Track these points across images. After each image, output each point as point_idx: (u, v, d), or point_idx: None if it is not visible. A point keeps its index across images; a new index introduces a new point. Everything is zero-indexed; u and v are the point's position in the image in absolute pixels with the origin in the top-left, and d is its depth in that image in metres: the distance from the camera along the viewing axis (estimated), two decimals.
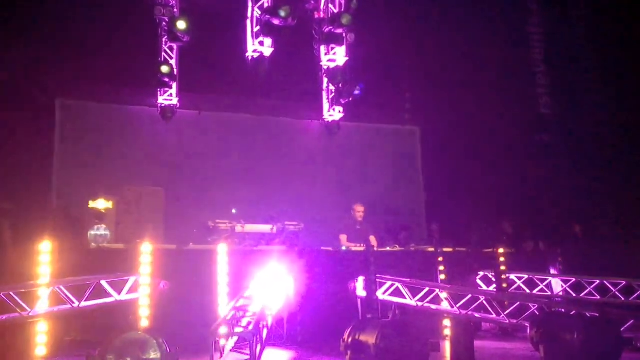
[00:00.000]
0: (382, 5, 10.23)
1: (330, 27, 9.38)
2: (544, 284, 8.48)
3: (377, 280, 7.72)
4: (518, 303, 7.06)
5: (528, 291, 8.38)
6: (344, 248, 8.59)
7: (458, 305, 7.38)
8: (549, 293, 8.36)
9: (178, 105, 9.99)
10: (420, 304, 7.44)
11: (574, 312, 6.21)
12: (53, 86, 9.66)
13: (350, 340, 5.23)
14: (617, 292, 7.97)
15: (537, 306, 6.62)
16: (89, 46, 9.44)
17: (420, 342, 5.17)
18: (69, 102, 9.96)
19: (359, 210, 9.23)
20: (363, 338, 5.19)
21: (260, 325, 5.85)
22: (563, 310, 6.60)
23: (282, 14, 8.54)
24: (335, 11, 9.69)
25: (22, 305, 6.12)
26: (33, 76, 9.21)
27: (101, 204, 7.93)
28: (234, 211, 8.05)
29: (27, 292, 6.27)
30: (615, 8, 10.56)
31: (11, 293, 6.09)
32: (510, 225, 9.58)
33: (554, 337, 5.49)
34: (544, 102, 11.67)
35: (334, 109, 10.48)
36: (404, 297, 7.69)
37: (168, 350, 4.61)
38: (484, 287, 8.39)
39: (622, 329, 6.07)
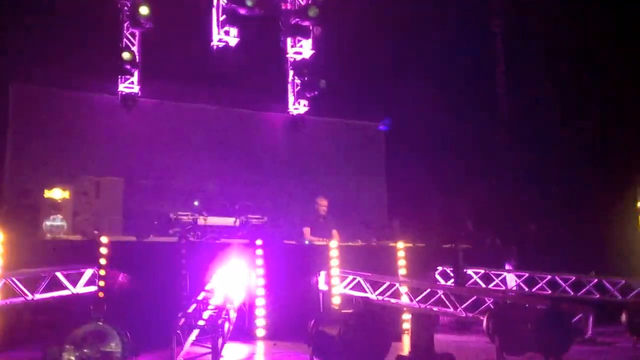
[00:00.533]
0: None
1: (297, 19, 9.32)
2: (499, 278, 8.74)
3: (339, 274, 7.80)
4: (475, 297, 7.28)
5: (484, 285, 8.62)
6: (307, 242, 8.60)
7: (417, 299, 7.55)
8: (504, 287, 8.62)
9: (140, 93, 9.75)
10: (381, 297, 7.59)
11: (527, 305, 6.44)
12: (7, 70, 9.27)
13: (314, 331, 5.26)
14: (567, 287, 8.31)
15: (492, 300, 6.83)
16: (47, 30, 9.10)
17: (381, 334, 5.27)
18: (25, 87, 9.58)
19: (323, 204, 9.25)
20: (326, 330, 5.24)
21: (222, 319, 5.80)
22: (517, 303, 6.84)
23: (249, 3, 8.46)
24: (303, 3, 9.64)
25: None
26: None
27: (57, 193, 7.68)
28: (196, 203, 7.93)
29: None
30: (575, 10, 10.82)
31: None
32: (471, 223, 9.80)
33: (508, 328, 5.70)
34: (503, 102, 11.91)
35: (299, 103, 10.44)
36: (365, 291, 7.80)
37: (129, 342, 4.52)
38: (443, 282, 8.57)
39: (572, 322, 6.36)
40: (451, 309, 7.53)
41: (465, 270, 8.68)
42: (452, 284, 8.41)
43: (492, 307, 6.70)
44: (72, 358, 4.40)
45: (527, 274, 8.63)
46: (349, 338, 5.13)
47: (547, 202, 10.34)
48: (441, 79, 10.86)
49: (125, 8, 9.33)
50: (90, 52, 9.25)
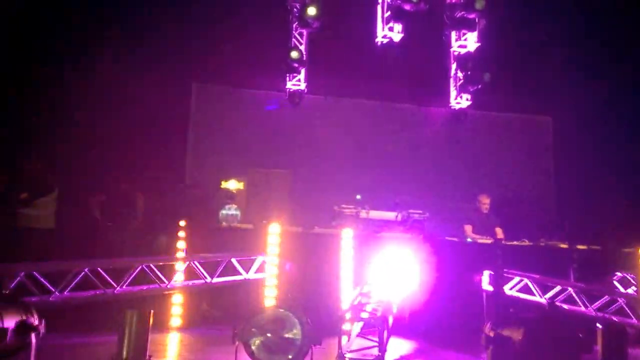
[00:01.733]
0: None
1: (463, 12, 9.05)
2: None
3: (504, 274, 7.45)
4: None
5: None
6: (469, 239, 8.33)
7: (593, 307, 6.94)
8: None
9: (305, 90, 10.13)
10: (550, 302, 7.09)
11: None
12: (190, 71, 10.15)
13: (492, 334, 5.00)
14: None
15: None
16: (223, 33, 9.77)
17: (571, 342, 4.83)
18: (204, 86, 10.42)
19: (485, 202, 8.91)
20: (507, 333, 4.95)
21: (386, 312, 5.82)
22: None
23: None
24: None
25: (160, 277, 6.56)
26: (171, 61, 9.71)
27: (232, 184, 8.29)
28: (358, 197, 8.05)
29: (164, 266, 6.67)
30: None
31: (151, 265, 6.52)
32: None
33: None
34: None
35: (461, 97, 10.16)
36: (532, 294, 7.36)
37: (310, 330, 4.66)
38: (622, 290, 7.78)
39: None
40: (635, 320, 6.84)
41: None
42: (635, 292, 7.60)
43: None
44: (258, 341, 4.64)
45: None
46: (534, 344, 4.80)
47: None
48: (616, 69, 9.84)
49: (295, 9, 9.69)
50: (261, 52, 9.75)
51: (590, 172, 10.12)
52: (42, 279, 5.69)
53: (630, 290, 7.70)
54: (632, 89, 10.05)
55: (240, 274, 7.06)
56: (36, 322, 4.32)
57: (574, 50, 10.12)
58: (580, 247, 8.00)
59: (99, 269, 6.06)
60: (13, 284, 5.50)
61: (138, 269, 6.32)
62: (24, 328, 4.18)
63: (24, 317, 4.21)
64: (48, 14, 9.09)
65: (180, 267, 6.85)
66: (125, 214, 8.12)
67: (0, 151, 8.44)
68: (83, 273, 5.92)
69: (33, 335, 4.22)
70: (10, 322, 4.15)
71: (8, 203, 7.56)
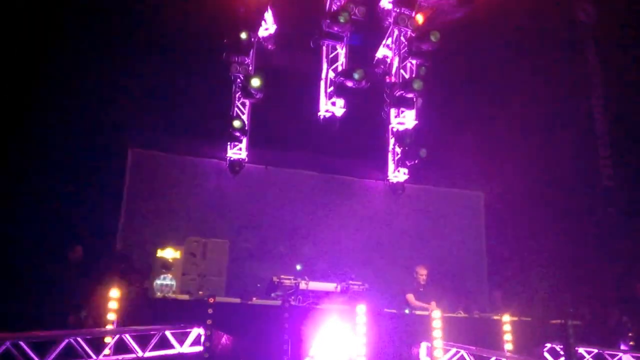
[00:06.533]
0: (450, 71, 10.32)
1: (402, 91, 9.50)
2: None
3: (442, 346, 7.52)
4: None
5: None
6: (407, 311, 8.42)
7: None
8: None
9: (246, 159, 10.08)
10: None
11: None
12: (127, 137, 9.97)
13: None
14: None
15: None
16: (164, 98, 9.74)
17: None
18: (141, 151, 10.26)
19: (422, 273, 9.10)
20: None
21: None
22: None
23: (356, 76, 8.75)
24: (407, 76, 9.86)
25: (87, 351, 6.19)
26: (108, 124, 9.53)
27: (169, 253, 8.04)
28: (298, 267, 8.04)
29: (93, 339, 6.33)
30: None
31: (79, 339, 6.18)
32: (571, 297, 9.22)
33: None
34: (607, 173, 11.33)
35: (399, 170, 10.48)
36: None
37: None
38: None
39: None
40: None
41: (576, 349, 8.07)
42: None
43: None
44: None
45: None
46: None
47: None
48: (543, 150, 10.57)
49: (238, 80, 9.79)
50: (203, 119, 9.75)
51: (518, 246, 10.56)
52: None
53: None
54: (555, 169, 10.72)
55: (174, 347, 6.78)
56: None
57: (504, 132, 10.75)
58: (512, 318, 8.22)
59: (20, 342, 5.73)
60: None
61: (64, 342, 6.00)
62: None
63: None
64: None
65: (109, 340, 6.49)
66: None
67: None
68: (5, 347, 5.60)
69: None
70: None
71: None
